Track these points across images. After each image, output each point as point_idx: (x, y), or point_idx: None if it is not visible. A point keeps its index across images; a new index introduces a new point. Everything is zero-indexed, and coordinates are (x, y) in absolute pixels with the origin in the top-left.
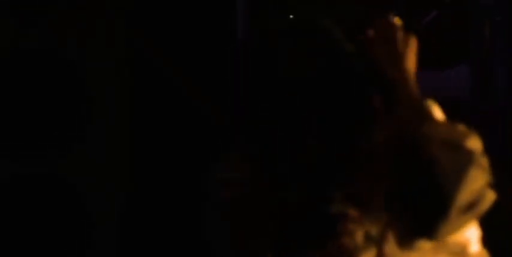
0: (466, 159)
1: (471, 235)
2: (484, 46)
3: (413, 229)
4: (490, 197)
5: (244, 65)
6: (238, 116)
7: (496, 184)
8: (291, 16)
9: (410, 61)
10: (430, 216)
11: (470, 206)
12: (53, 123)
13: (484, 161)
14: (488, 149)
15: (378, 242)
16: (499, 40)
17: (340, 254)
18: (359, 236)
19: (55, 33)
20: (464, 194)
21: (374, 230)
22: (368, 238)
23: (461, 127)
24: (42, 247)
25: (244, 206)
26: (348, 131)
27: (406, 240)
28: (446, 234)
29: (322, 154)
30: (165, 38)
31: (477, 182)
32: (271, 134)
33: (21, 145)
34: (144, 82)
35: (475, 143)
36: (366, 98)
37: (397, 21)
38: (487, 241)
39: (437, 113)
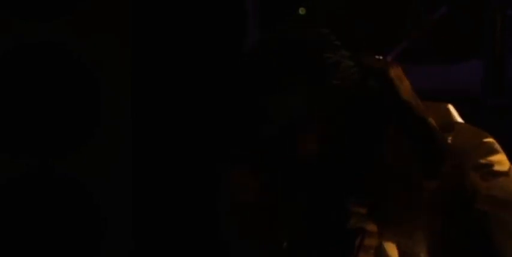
0: None
1: None
2: (495, 40)
3: None
4: None
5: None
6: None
7: None
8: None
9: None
10: None
11: None
12: (62, 120)
13: None
14: (502, 146)
15: None
16: (510, 34)
17: None
18: (393, 253)
19: (64, 30)
20: None
21: (409, 248)
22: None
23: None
24: (52, 246)
25: (254, 214)
26: (357, 145)
27: None
28: None
29: (333, 165)
30: (174, 42)
31: None
32: (279, 144)
33: (29, 144)
34: (153, 81)
35: None
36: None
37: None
38: None
39: (456, 116)
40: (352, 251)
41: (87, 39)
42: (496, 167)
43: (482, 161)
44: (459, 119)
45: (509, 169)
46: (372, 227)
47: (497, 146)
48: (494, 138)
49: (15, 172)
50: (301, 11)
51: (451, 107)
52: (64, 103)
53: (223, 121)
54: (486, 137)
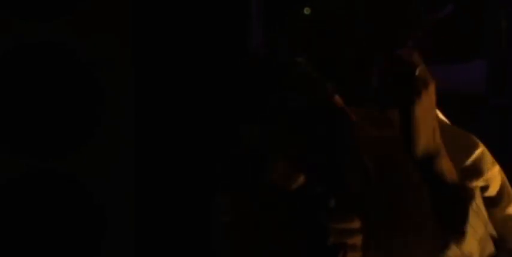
0: None
1: None
2: (499, 39)
3: None
4: None
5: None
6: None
7: None
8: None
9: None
10: None
11: None
12: (63, 120)
13: None
14: (505, 147)
15: None
16: None
17: None
18: None
19: (64, 30)
20: None
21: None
22: None
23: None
24: (52, 247)
25: (241, 231)
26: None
27: None
28: None
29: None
30: (176, 42)
31: None
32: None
33: (29, 144)
34: (154, 81)
35: None
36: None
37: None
38: None
39: (442, 117)
40: None
41: (87, 39)
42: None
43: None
44: (445, 120)
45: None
46: (354, 240)
47: (484, 151)
48: (497, 138)
49: (15, 172)
50: (306, 10)
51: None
52: (64, 103)
53: (225, 122)
54: (470, 140)
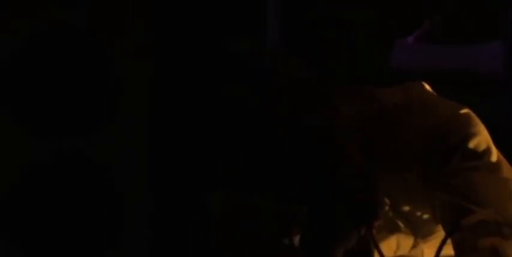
0: None
1: None
2: None
3: None
4: None
5: None
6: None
7: None
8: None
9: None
10: None
11: None
12: (82, 102)
13: None
14: None
15: None
16: None
17: None
18: None
19: (84, 14)
20: None
21: None
22: None
23: None
24: (70, 228)
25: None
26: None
27: None
28: None
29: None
30: (194, 24)
31: None
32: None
33: (49, 125)
34: (173, 65)
35: None
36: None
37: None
38: None
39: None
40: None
41: (102, 28)
42: (471, 145)
43: (460, 136)
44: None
45: (486, 149)
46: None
47: (473, 117)
48: (509, 118)
49: (36, 155)
50: None
51: (425, 85)
52: (83, 88)
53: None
54: (463, 109)
